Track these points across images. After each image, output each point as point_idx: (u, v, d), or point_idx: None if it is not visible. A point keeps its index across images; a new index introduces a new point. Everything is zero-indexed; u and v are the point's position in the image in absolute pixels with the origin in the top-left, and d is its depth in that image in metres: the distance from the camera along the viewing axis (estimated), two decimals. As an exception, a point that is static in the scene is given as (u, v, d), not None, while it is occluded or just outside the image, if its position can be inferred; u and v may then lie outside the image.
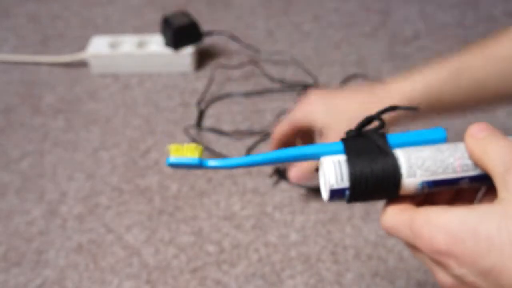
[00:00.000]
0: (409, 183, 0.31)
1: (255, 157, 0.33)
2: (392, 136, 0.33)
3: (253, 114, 0.76)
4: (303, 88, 0.80)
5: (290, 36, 0.92)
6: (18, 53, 0.88)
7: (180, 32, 0.81)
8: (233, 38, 0.87)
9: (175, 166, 0.34)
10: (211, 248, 0.59)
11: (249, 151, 0.70)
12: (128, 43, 0.84)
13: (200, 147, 0.33)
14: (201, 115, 0.75)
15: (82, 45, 0.87)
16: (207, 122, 0.75)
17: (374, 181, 0.31)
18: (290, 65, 0.85)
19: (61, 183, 0.66)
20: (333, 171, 0.31)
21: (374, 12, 0.97)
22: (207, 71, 0.84)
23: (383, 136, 0.33)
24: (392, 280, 0.55)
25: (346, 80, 0.80)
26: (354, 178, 0.31)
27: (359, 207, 0.62)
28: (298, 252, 0.58)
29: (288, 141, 0.59)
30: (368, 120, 0.34)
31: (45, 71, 0.85)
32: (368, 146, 0.32)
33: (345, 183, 0.31)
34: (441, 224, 0.29)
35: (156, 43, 0.84)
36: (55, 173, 0.68)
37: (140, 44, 0.84)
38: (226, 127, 0.74)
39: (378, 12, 0.97)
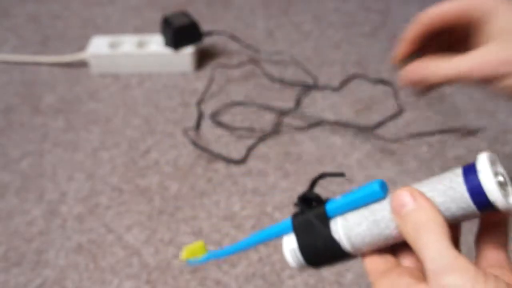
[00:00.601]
0: (357, 252, 0.33)
1: (237, 246, 0.37)
2: (332, 203, 0.33)
3: (253, 114, 0.76)
4: (303, 88, 0.80)
5: (290, 36, 0.92)
6: (18, 53, 0.88)
7: (180, 32, 0.81)
8: (233, 38, 0.87)
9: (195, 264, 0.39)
10: (211, 248, 0.59)
11: (249, 151, 0.70)
12: (128, 43, 0.84)
13: (202, 243, 0.39)
14: (200, 115, 0.75)
15: (82, 45, 0.87)
16: (207, 122, 0.75)
17: (325, 257, 0.34)
18: (290, 65, 0.85)
19: (61, 183, 0.66)
20: (289, 254, 0.35)
21: (374, 12, 0.97)
22: (207, 71, 0.84)
23: (322, 214, 0.34)
24: (392, 280, 0.55)
25: (346, 81, 0.80)
26: (306, 258, 0.34)
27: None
28: (298, 252, 0.58)
29: (421, 44, 0.47)
30: (311, 188, 0.35)
31: (45, 71, 0.85)
32: (311, 226, 0.34)
33: (301, 260, 0.35)
34: None
35: (156, 43, 0.84)
36: (55, 173, 0.68)
37: (140, 44, 0.84)
38: (226, 127, 0.74)
39: (378, 12, 0.97)
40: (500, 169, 0.30)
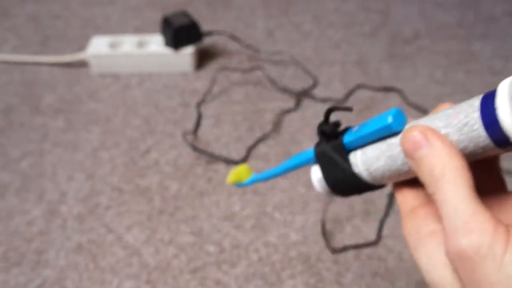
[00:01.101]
0: (381, 183, 0.32)
1: (275, 171, 0.38)
2: (349, 136, 0.32)
3: (253, 114, 0.76)
4: (303, 88, 0.80)
5: (290, 36, 0.92)
6: (18, 53, 0.88)
7: (180, 32, 0.81)
8: (233, 38, 0.87)
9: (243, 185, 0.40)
10: (211, 248, 0.59)
11: (249, 151, 0.70)
12: (128, 43, 0.84)
13: (246, 167, 0.40)
14: (200, 117, 0.75)
15: (82, 45, 0.87)
16: (207, 122, 0.75)
17: (349, 188, 0.34)
18: (290, 65, 0.85)
19: (61, 183, 0.66)
20: (317, 183, 0.35)
21: (374, 12, 0.97)
22: (207, 71, 0.84)
23: (340, 147, 0.33)
24: (392, 280, 0.55)
25: (351, 92, 0.79)
26: (331, 187, 0.34)
27: (359, 208, 0.62)
28: (298, 252, 0.58)
29: None
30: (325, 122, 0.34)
31: (45, 71, 0.85)
32: (330, 159, 0.33)
33: (328, 189, 0.35)
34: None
35: (156, 43, 0.84)
36: (55, 173, 0.68)
37: (140, 44, 0.84)
38: (226, 127, 0.74)
39: (378, 12, 0.97)
40: None
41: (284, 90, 0.80)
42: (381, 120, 0.29)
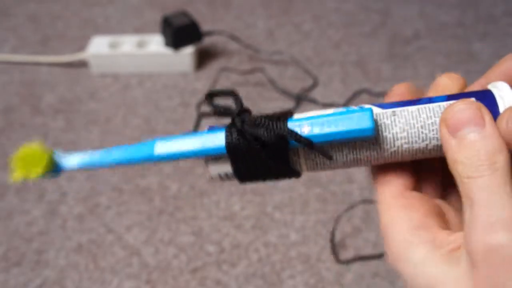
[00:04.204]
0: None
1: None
2: (297, 125, 0.27)
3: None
4: (303, 88, 0.80)
5: (290, 36, 0.92)
6: (18, 53, 0.88)
7: (180, 32, 0.81)
8: (233, 38, 0.87)
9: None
10: (211, 248, 0.59)
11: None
12: (128, 43, 0.84)
13: (36, 147, 0.30)
14: (200, 117, 0.75)
15: (82, 45, 0.87)
16: (207, 122, 0.75)
17: (267, 178, 0.29)
18: (290, 65, 0.85)
19: (61, 183, 0.66)
20: (216, 174, 0.29)
21: (374, 12, 0.97)
22: (207, 71, 0.84)
23: (282, 145, 0.27)
24: (392, 280, 0.55)
25: (352, 98, 0.79)
26: (240, 179, 0.30)
27: (359, 208, 0.62)
28: (298, 252, 0.58)
29: None
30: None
31: (45, 71, 0.85)
32: (257, 156, 0.28)
33: (230, 178, 0.30)
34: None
35: (156, 43, 0.84)
36: (55, 173, 0.68)
37: (140, 44, 0.84)
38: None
39: (378, 12, 0.97)
40: None
41: (284, 90, 0.80)
42: (358, 121, 0.26)
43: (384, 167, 0.29)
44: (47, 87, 0.82)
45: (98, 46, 0.84)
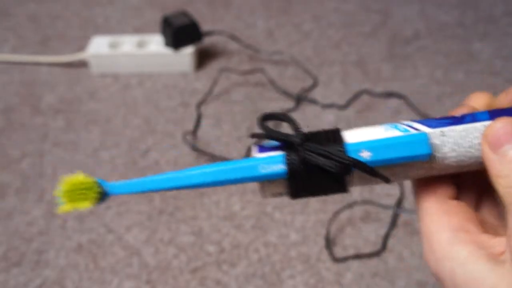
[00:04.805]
0: None
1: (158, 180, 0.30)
2: (357, 148, 0.28)
3: (253, 114, 0.76)
4: (303, 88, 0.80)
5: (290, 36, 0.92)
6: (18, 53, 0.88)
7: (180, 32, 0.81)
8: (233, 38, 0.87)
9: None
10: (211, 248, 0.59)
11: (249, 151, 0.70)
12: (128, 43, 0.84)
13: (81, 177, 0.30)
14: (199, 118, 0.75)
15: (82, 45, 0.87)
16: (207, 122, 0.75)
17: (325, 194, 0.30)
18: (290, 65, 0.85)
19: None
20: (267, 194, 0.30)
21: (374, 12, 0.97)
22: (207, 71, 0.84)
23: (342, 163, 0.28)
24: (392, 280, 0.55)
25: (354, 98, 0.79)
26: (291, 196, 0.30)
27: (358, 208, 0.62)
28: (298, 252, 0.58)
29: None
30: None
31: (45, 71, 0.85)
32: (322, 176, 0.29)
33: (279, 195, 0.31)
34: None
35: (156, 43, 0.84)
36: (55, 173, 0.68)
37: (140, 44, 0.84)
38: (226, 127, 0.74)
39: (378, 12, 0.97)
40: None
41: (284, 90, 0.80)
42: (416, 146, 0.28)
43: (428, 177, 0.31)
44: (47, 87, 0.82)
45: (98, 46, 0.84)
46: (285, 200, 0.63)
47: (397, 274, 0.56)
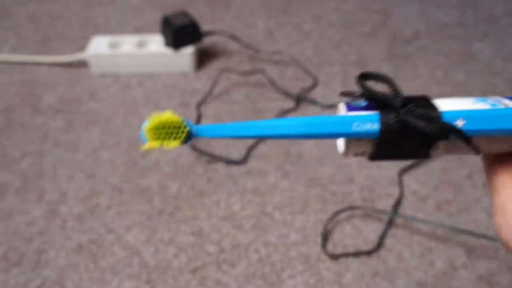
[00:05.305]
0: None
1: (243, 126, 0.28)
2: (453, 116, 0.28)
3: (253, 114, 0.76)
4: (303, 88, 0.80)
5: (290, 36, 0.92)
6: (18, 53, 0.88)
7: (180, 32, 0.81)
8: (233, 38, 0.87)
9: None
10: (211, 248, 0.59)
11: (249, 151, 0.70)
12: (128, 43, 0.84)
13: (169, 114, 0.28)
14: (200, 117, 0.75)
15: (82, 45, 0.87)
16: (207, 122, 0.75)
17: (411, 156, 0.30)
18: (290, 65, 0.85)
19: (61, 183, 0.66)
20: (349, 152, 0.30)
21: (374, 12, 0.97)
22: (207, 71, 0.84)
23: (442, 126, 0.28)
24: (392, 280, 0.55)
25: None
26: (374, 159, 0.30)
27: (358, 208, 0.62)
28: (298, 252, 0.58)
29: None
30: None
31: (45, 71, 0.85)
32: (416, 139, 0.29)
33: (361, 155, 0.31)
34: None
35: (156, 43, 0.84)
36: (55, 173, 0.68)
37: (140, 44, 0.84)
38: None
39: (378, 12, 0.97)
40: None
41: (284, 90, 0.80)
42: (510, 119, 0.28)
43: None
44: (47, 87, 0.82)
45: (98, 46, 0.84)
46: (285, 200, 0.63)
47: (397, 274, 0.56)
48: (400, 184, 0.64)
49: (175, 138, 0.28)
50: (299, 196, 0.64)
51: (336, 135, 0.28)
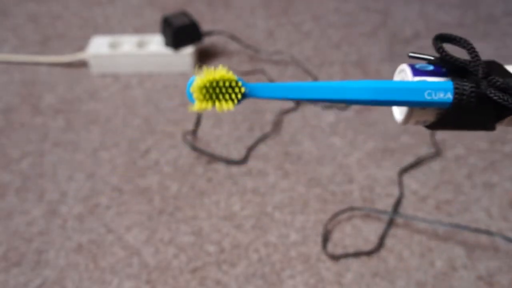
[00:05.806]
0: None
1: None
2: None
3: (253, 114, 0.76)
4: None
5: (290, 36, 0.92)
6: (18, 53, 0.88)
7: (180, 32, 0.81)
8: (233, 38, 0.87)
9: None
10: (211, 248, 0.59)
11: (249, 151, 0.70)
12: (128, 43, 0.84)
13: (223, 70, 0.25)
14: (200, 117, 0.75)
15: (82, 45, 0.87)
16: (207, 122, 0.75)
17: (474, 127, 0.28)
18: (290, 65, 0.85)
19: (61, 183, 0.66)
20: (411, 120, 0.27)
21: (374, 12, 0.97)
22: (207, 71, 0.84)
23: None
24: (392, 280, 0.56)
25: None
26: (448, 128, 0.28)
27: (358, 208, 0.62)
28: (298, 252, 0.58)
29: None
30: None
31: (45, 71, 0.85)
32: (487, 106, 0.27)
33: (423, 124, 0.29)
34: None
35: (156, 43, 0.84)
36: (55, 173, 0.68)
37: (140, 44, 0.84)
38: (226, 127, 0.74)
39: (378, 12, 0.97)
40: None
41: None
42: None
43: None
44: (47, 87, 0.82)
45: (98, 46, 0.84)
46: (285, 200, 0.63)
47: (397, 274, 0.56)
48: (400, 184, 0.64)
49: (229, 99, 0.24)
50: (299, 196, 0.64)
51: (405, 103, 0.26)
